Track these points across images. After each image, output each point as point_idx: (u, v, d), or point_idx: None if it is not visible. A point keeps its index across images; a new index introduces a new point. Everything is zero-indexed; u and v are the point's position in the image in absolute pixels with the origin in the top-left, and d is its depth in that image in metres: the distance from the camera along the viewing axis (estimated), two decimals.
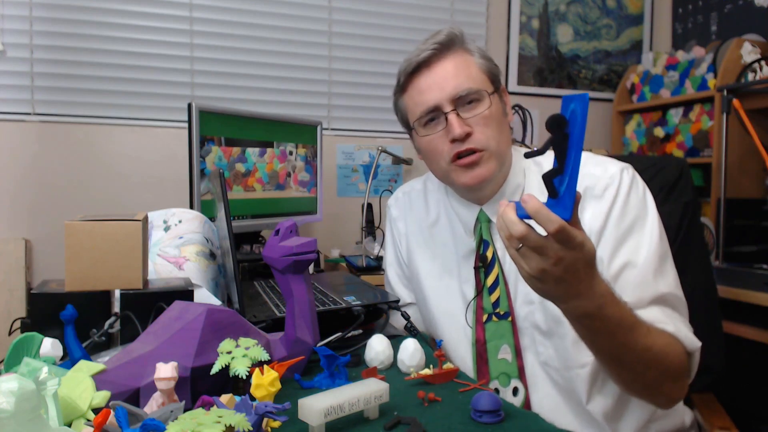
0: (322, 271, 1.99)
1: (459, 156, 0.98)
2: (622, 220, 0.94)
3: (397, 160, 2.52)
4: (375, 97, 2.54)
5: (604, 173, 0.98)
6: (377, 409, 0.69)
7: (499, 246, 1.03)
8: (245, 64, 2.35)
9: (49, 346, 0.75)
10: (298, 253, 0.80)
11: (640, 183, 0.99)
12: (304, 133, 2.03)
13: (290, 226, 0.83)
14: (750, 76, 2.21)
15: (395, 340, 0.95)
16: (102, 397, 0.64)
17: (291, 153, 1.98)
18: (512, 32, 2.74)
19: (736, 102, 2.05)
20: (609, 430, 0.96)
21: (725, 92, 2.09)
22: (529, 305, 0.99)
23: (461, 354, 1.07)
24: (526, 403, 0.99)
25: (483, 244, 1.05)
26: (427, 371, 0.83)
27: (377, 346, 0.89)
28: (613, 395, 0.95)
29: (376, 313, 1.10)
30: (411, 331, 1.06)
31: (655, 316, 0.88)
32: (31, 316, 0.86)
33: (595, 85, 2.92)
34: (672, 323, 0.89)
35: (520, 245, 0.69)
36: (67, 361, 0.76)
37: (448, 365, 0.84)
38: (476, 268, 1.05)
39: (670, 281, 0.94)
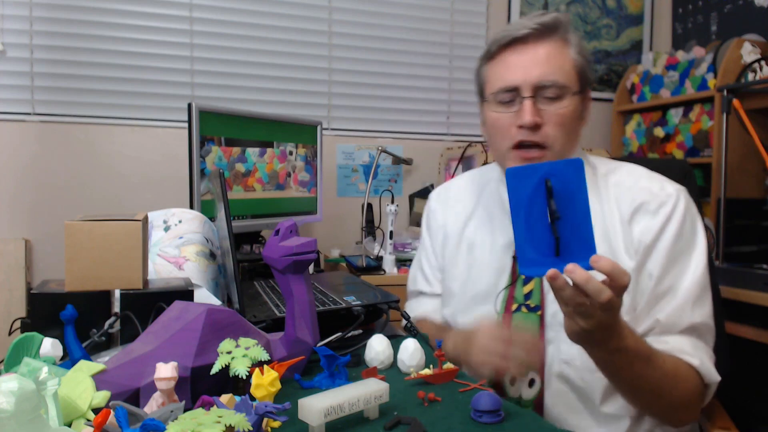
0: (322, 271, 1.99)
1: (521, 145, 0.97)
2: (675, 243, 0.95)
3: (397, 160, 2.52)
4: (375, 97, 2.54)
5: (661, 191, 0.98)
6: (377, 409, 0.69)
7: None
8: (245, 64, 2.35)
9: (49, 346, 0.75)
10: (298, 253, 0.80)
11: (694, 208, 1.00)
12: (304, 133, 2.03)
13: (290, 226, 0.83)
14: (750, 76, 2.21)
15: (395, 340, 0.95)
16: (102, 397, 0.64)
17: (291, 153, 1.98)
18: None
19: (736, 102, 2.05)
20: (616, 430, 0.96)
21: (725, 92, 2.09)
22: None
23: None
24: (540, 395, 0.98)
25: None
26: (427, 371, 0.82)
27: (377, 346, 0.89)
28: (626, 405, 0.96)
29: (376, 313, 1.10)
30: (411, 331, 1.06)
31: (682, 347, 0.91)
32: (31, 316, 0.86)
33: (595, 85, 2.92)
34: (698, 356, 0.91)
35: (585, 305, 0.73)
36: (67, 361, 0.76)
37: (448, 365, 0.84)
38: (515, 257, 1.04)
39: (705, 311, 0.95)
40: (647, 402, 0.91)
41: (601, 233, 0.97)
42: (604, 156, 1.24)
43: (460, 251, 1.14)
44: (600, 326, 0.75)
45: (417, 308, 1.21)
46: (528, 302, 1.02)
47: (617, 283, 0.71)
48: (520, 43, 0.98)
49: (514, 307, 1.03)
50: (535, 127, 0.95)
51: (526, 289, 1.03)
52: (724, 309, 1.33)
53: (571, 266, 0.70)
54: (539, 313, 1.01)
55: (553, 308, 1.00)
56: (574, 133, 1.00)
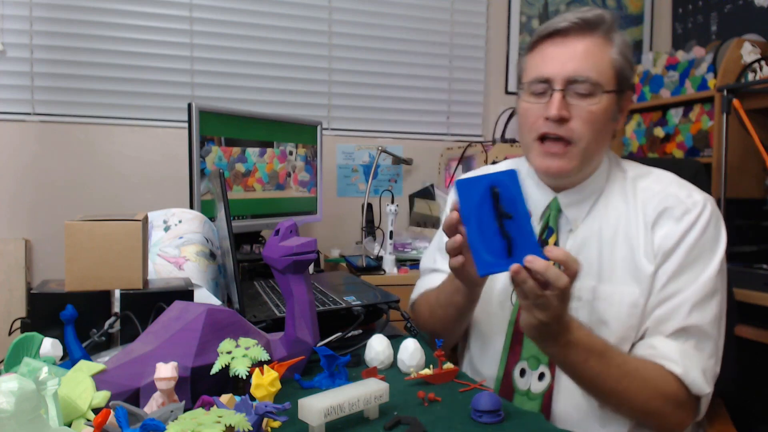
0: (322, 271, 1.99)
1: (546, 137, 0.97)
2: (691, 250, 0.94)
3: (397, 160, 2.52)
4: (375, 97, 2.54)
5: (688, 198, 0.97)
6: (377, 409, 0.69)
7: (562, 237, 1.03)
8: (245, 64, 2.35)
9: (49, 346, 0.75)
10: (298, 253, 0.80)
11: (720, 218, 0.98)
12: (304, 133, 2.03)
13: (290, 226, 0.83)
14: (750, 76, 2.21)
15: (395, 340, 0.95)
16: (102, 397, 0.64)
17: (291, 153, 1.98)
18: (512, 32, 2.74)
19: (736, 102, 2.05)
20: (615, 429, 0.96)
21: (725, 92, 2.09)
22: (577, 301, 0.97)
23: (493, 331, 1.06)
24: (549, 390, 0.98)
25: (547, 230, 1.04)
26: (427, 371, 0.83)
27: (377, 346, 0.89)
28: None
29: (376, 313, 1.10)
30: (411, 331, 1.06)
31: (668, 353, 0.89)
32: (31, 316, 0.86)
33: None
34: (683, 364, 0.88)
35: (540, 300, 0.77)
36: (67, 361, 0.76)
37: (448, 365, 0.84)
38: None
39: (705, 316, 0.92)
40: (613, 403, 0.91)
41: (623, 236, 0.97)
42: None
43: None
44: (555, 317, 0.79)
45: (428, 283, 1.18)
46: None
47: (571, 271, 0.77)
48: (560, 35, 0.97)
49: None
50: (561, 121, 0.94)
51: None
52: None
53: (530, 257, 0.76)
54: None
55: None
56: (604, 133, 0.99)
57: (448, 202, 1.27)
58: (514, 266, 0.76)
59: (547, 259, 0.76)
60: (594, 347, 0.86)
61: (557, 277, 0.75)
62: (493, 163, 1.54)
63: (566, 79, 0.94)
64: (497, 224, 0.78)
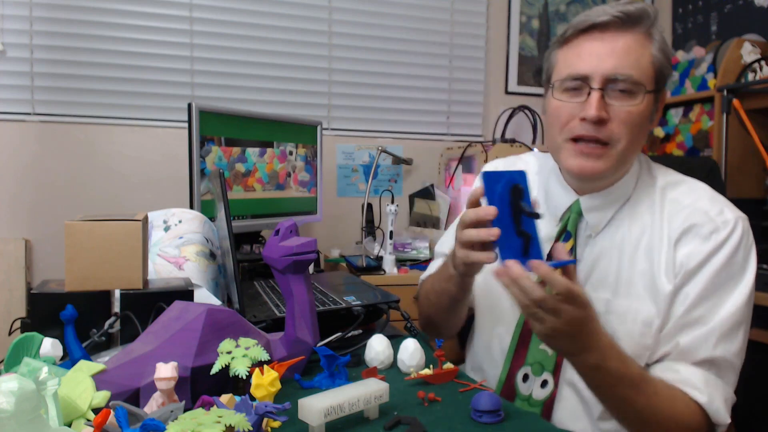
0: (322, 271, 1.99)
1: (581, 139, 0.90)
2: (719, 273, 0.88)
3: (397, 160, 2.52)
4: (375, 97, 2.54)
5: (718, 216, 0.90)
6: (377, 409, 0.69)
7: (580, 243, 0.98)
8: (245, 64, 2.35)
9: (49, 346, 0.75)
10: (298, 253, 0.80)
11: (751, 240, 0.92)
12: (304, 133, 2.03)
13: (290, 226, 0.83)
14: (750, 76, 2.21)
15: (395, 340, 0.95)
16: (102, 397, 0.64)
17: (291, 153, 1.98)
18: (512, 32, 2.74)
19: (736, 102, 2.05)
20: None
21: (725, 92, 2.09)
22: None
23: (500, 331, 1.03)
24: (551, 399, 0.96)
25: (565, 234, 0.98)
26: (427, 371, 0.83)
27: (377, 346, 0.89)
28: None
29: (376, 313, 1.10)
30: (411, 331, 1.06)
31: (692, 380, 0.86)
32: (31, 316, 0.86)
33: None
34: (707, 393, 0.85)
35: (537, 309, 0.73)
36: (67, 361, 0.76)
37: (448, 365, 0.84)
38: (549, 256, 1.02)
39: (732, 348, 0.88)
40: (633, 427, 0.87)
41: (645, 249, 0.92)
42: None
43: None
44: (557, 333, 0.75)
45: (436, 267, 1.14)
46: None
47: (555, 287, 0.73)
48: (598, 30, 0.90)
49: None
50: (600, 122, 0.88)
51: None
52: None
53: (509, 263, 0.74)
54: None
55: None
56: (641, 135, 0.92)
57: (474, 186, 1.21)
58: (498, 268, 0.75)
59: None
60: (626, 377, 0.81)
61: (531, 289, 0.72)
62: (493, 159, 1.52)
63: (606, 77, 0.88)
64: (514, 221, 0.76)
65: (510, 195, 0.77)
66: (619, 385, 0.81)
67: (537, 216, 0.77)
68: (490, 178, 0.77)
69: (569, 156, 0.92)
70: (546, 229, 1.00)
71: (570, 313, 0.73)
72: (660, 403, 0.83)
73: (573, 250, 0.98)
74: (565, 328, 0.74)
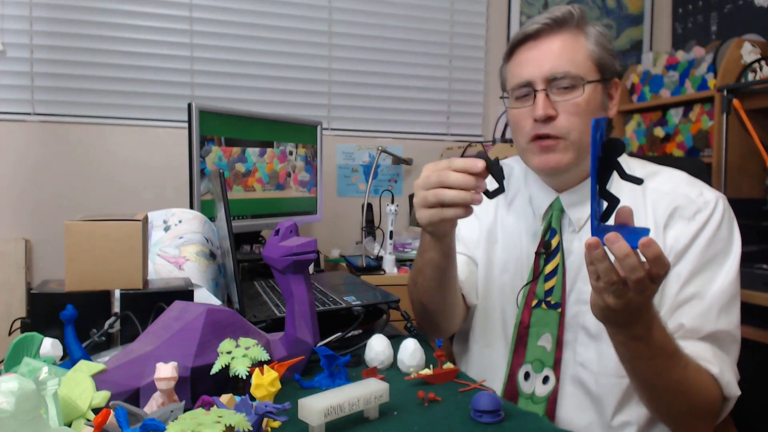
0: (322, 271, 1.99)
1: (538, 137, 0.97)
2: (707, 249, 0.93)
3: (397, 160, 2.52)
4: (375, 97, 2.54)
5: (699, 197, 0.96)
6: (377, 409, 0.69)
7: (566, 238, 1.02)
8: (245, 64, 2.35)
9: (49, 346, 0.75)
10: (298, 253, 0.80)
11: (732, 215, 0.97)
12: (304, 133, 2.03)
13: (290, 226, 0.83)
14: (750, 76, 2.21)
15: (395, 340, 0.95)
16: (102, 397, 0.64)
17: (291, 153, 1.98)
18: (512, 32, 2.74)
19: (736, 102, 2.05)
20: None
21: (725, 92, 2.09)
22: (582, 305, 0.97)
23: (498, 331, 1.06)
24: (553, 394, 0.97)
25: (550, 231, 1.03)
26: (427, 371, 0.83)
27: (377, 346, 0.89)
28: (639, 417, 0.94)
29: (376, 313, 1.10)
30: (411, 331, 1.06)
31: (703, 353, 0.87)
32: (31, 316, 0.86)
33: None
34: (718, 365, 0.87)
35: (622, 285, 0.68)
36: (67, 361, 0.76)
37: (448, 365, 0.84)
38: (537, 254, 1.03)
39: (731, 320, 0.92)
40: (662, 402, 0.87)
41: None
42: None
43: (501, 232, 1.12)
44: (627, 308, 0.71)
45: None
46: (549, 299, 1.01)
47: (655, 272, 0.67)
48: (533, 39, 0.99)
49: (534, 302, 1.02)
50: (548, 120, 0.95)
51: (548, 285, 1.02)
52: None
53: (613, 236, 0.65)
54: (559, 311, 1.00)
55: (573, 310, 0.99)
56: None
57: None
58: (591, 240, 0.67)
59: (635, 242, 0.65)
60: (665, 348, 0.80)
61: (633, 268, 0.66)
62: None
63: (545, 78, 0.95)
64: (598, 179, 0.67)
65: (606, 148, 0.66)
66: (660, 356, 0.80)
67: (640, 181, 0.67)
68: (595, 124, 0.66)
69: (533, 155, 0.99)
70: (530, 227, 1.07)
71: (653, 291, 0.71)
72: (690, 375, 0.83)
73: (560, 245, 1.02)
74: (639, 305, 0.72)
